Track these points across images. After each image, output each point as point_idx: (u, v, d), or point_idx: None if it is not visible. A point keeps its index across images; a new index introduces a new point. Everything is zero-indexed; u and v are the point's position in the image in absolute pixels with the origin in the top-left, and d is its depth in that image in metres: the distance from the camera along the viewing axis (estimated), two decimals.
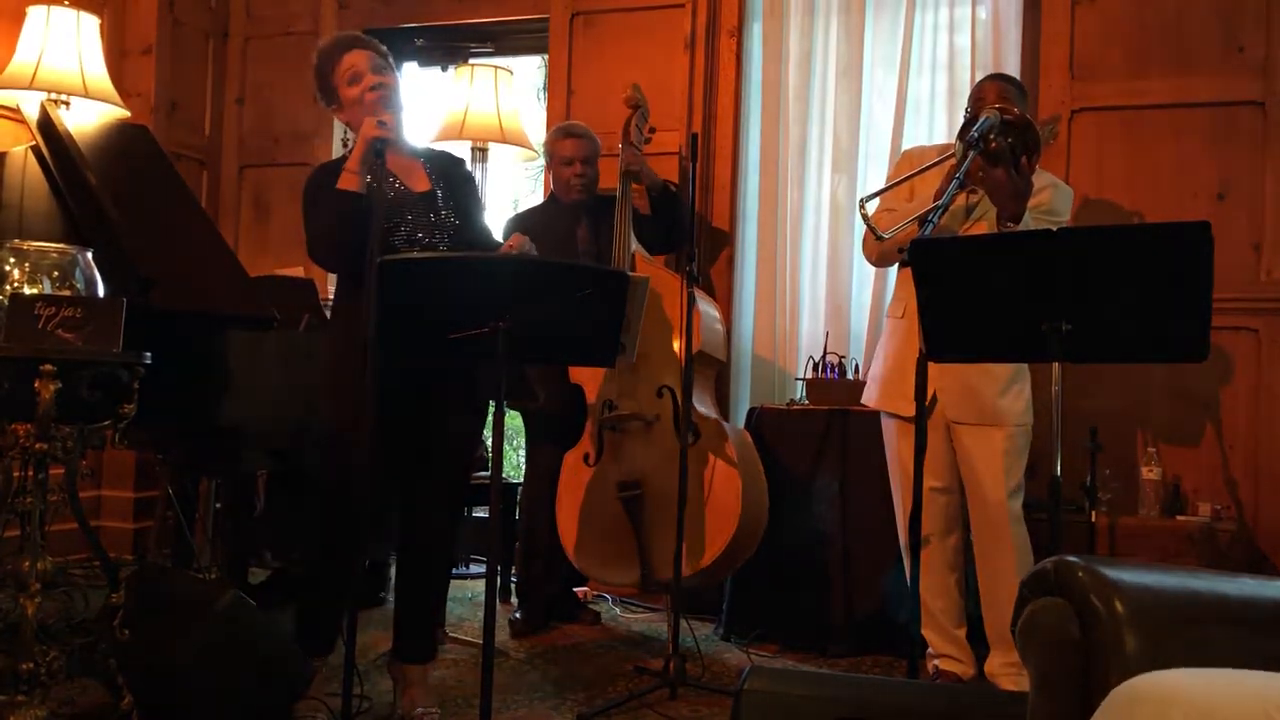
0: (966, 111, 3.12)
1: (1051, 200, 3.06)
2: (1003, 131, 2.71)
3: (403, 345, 2.46)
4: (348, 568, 2.66)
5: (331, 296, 4.65)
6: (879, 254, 3.19)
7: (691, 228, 3.35)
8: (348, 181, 2.64)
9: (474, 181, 3.04)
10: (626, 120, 3.76)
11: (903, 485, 3.12)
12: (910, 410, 2.91)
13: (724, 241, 4.38)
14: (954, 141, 2.79)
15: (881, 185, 3.16)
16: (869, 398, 3.33)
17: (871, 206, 2.69)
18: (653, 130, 3.87)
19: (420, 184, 2.84)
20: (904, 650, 2.99)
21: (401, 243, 2.74)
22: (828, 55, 4.32)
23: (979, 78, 3.45)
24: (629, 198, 3.70)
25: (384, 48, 2.86)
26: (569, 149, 3.86)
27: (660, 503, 3.42)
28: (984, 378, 3.07)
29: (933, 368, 3.01)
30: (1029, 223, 2.84)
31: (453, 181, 2.89)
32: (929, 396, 3.08)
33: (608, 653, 3.51)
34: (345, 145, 3.07)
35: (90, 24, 3.97)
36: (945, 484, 3.14)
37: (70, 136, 3.39)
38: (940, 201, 2.63)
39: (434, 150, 3.06)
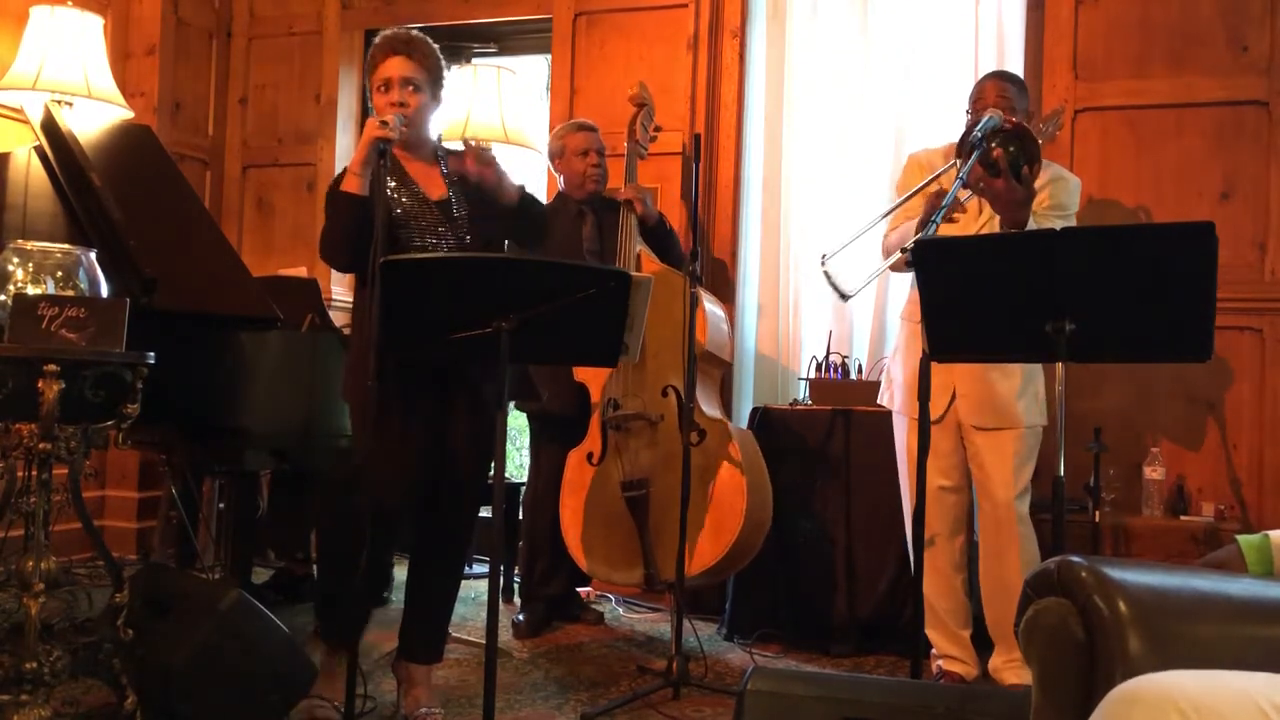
0: (967, 112, 3.11)
1: (1052, 196, 3.04)
2: (1003, 142, 2.69)
3: (405, 345, 2.46)
4: (351, 563, 2.65)
5: (334, 297, 4.70)
6: (892, 259, 3.17)
7: (695, 228, 3.34)
8: (349, 183, 2.64)
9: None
10: (632, 118, 3.74)
11: (913, 484, 3.12)
12: (935, 413, 2.89)
13: (727, 242, 4.37)
14: (954, 144, 2.78)
15: (849, 233, 2.93)
16: (889, 402, 3.31)
17: (833, 262, 2.63)
18: (658, 129, 3.86)
19: (437, 190, 2.81)
20: (907, 650, 2.99)
21: (411, 247, 2.72)
22: (830, 55, 4.31)
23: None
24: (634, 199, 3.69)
25: (431, 50, 2.76)
26: (584, 141, 3.84)
27: (665, 502, 3.42)
28: (1002, 379, 3.06)
29: (952, 370, 3.02)
30: (1033, 224, 2.84)
31: (473, 189, 2.83)
32: (949, 398, 3.09)
33: (611, 653, 3.51)
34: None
35: (94, 24, 3.96)
36: (955, 483, 3.14)
37: (73, 137, 3.39)
38: (944, 202, 2.63)
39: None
